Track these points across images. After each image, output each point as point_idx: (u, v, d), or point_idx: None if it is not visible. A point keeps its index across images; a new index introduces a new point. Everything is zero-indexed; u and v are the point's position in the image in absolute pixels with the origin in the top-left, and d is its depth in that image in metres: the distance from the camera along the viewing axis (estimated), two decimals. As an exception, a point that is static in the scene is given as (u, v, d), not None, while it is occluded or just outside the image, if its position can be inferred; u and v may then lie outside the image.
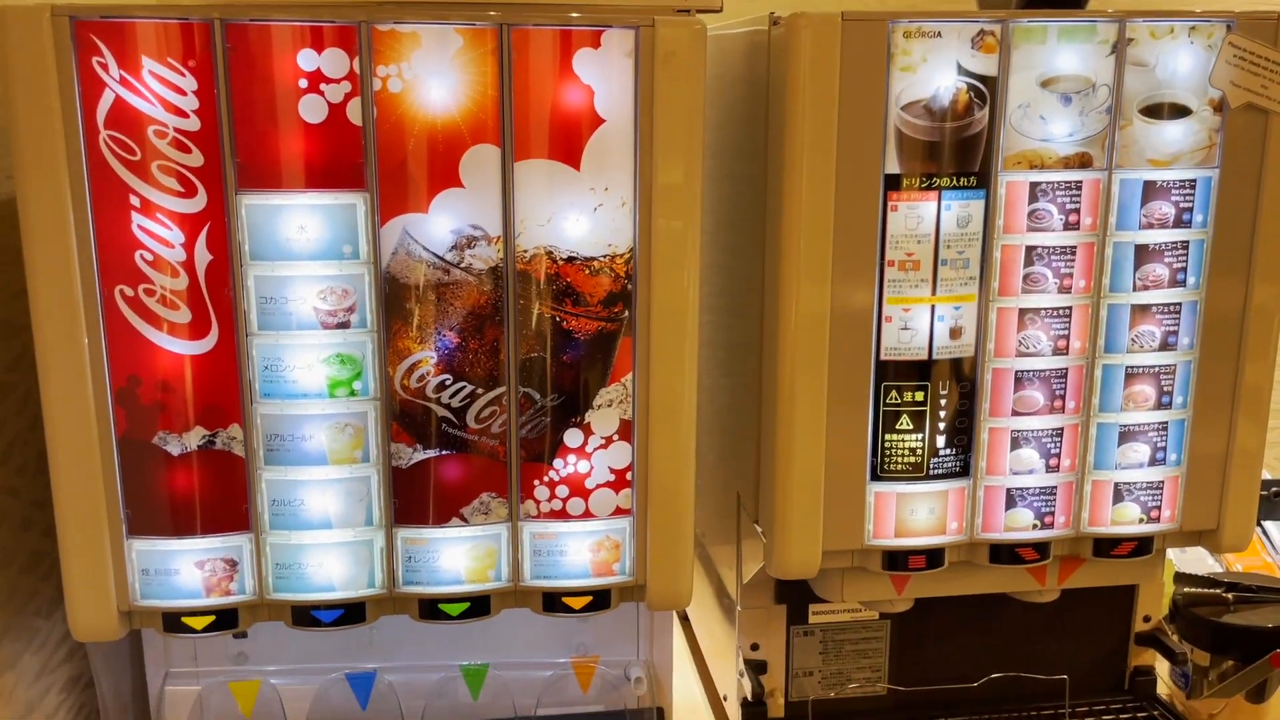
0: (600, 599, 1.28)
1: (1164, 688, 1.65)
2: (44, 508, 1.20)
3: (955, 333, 1.29)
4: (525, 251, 1.18)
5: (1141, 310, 1.32)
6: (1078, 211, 1.28)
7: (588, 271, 1.19)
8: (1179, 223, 1.30)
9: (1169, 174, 1.29)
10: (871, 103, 1.22)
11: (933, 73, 1.22)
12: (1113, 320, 1.31)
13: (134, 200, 1.12)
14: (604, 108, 1.15)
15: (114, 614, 1.20)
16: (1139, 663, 1.63)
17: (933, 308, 1.28)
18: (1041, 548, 1.37)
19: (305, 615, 1.24)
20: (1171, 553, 1.69)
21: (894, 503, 1.33)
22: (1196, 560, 1.79)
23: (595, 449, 1.24)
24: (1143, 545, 1.39)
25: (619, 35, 1.14)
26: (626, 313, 1.21)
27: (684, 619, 1.90)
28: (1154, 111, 1.27)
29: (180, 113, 1.11)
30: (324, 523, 1.21)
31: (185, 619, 1.23)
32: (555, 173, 1.16)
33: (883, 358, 1.29)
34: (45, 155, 1.10)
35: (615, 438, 1.24)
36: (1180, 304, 1.32)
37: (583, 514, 1.26)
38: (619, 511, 1.26)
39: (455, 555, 1.24)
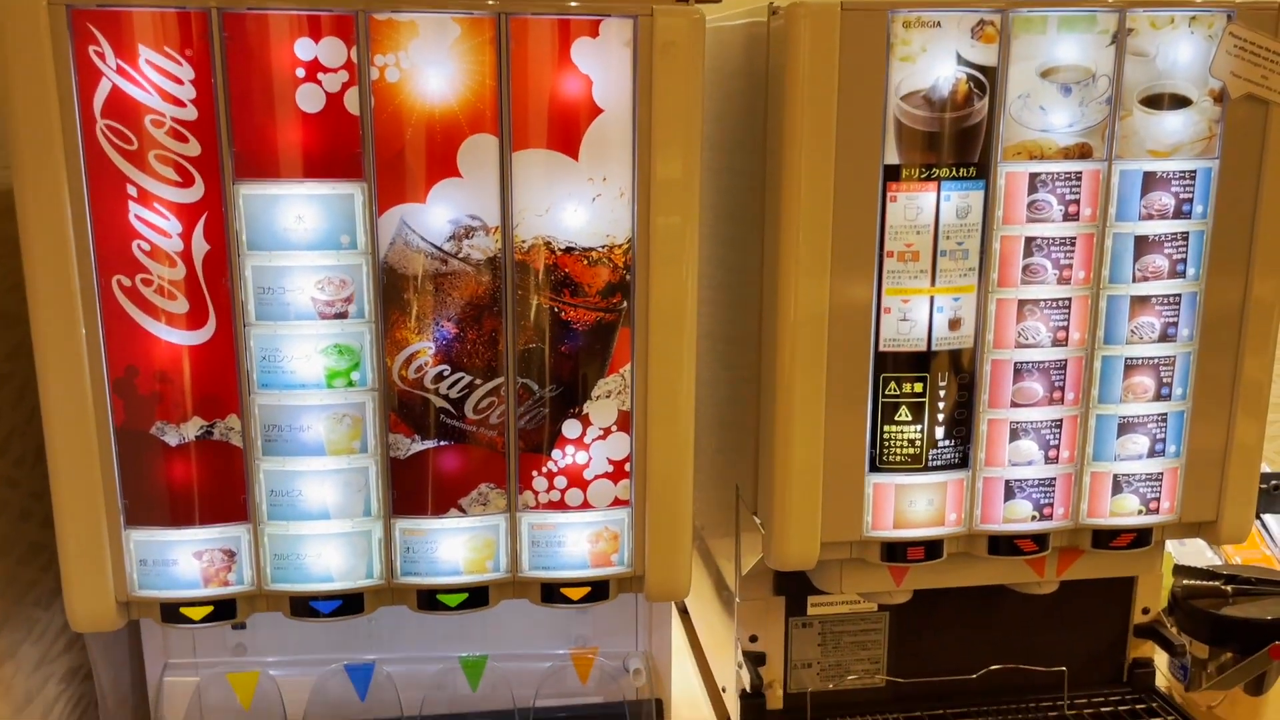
0: (599, 590, 1.28)
1: (1163, 680, 1.65)
2: (42, 499, 1.20)
3: (954, 324, 1.29)
4: (523, 242, 1.18)
5: (1141, 301, 1.31)
6: (1077, 202, 1.27)
7: (586, 262, 1.19)
8: (1179, 214, 1.30)
9: (1169, 165, 1.28)
10: (871, 93, 1.21)
11: (932, 63, 1.22)
12: (1112, 311, 1.31)
13: (131, 190, 1.12)
14: (602, 97, 1.15)
15: (112, 604, 1.20)
16: (1138, 655, 1.63)
17: (932, 299, 1.28)
18: (1040, 539, 1.37)
19: (304, 606, 1.24)
20: (1170, 546, 1.69)
21: (893, 494, 1.33)
22: (1195, 554, 1.79)
23: (594, 440, 1.24)
24: (1141, 537, 1.39)
25: (617, 24, 1.14)
26: (625, 303, 1.21)
27: (683, 612, 1.90)
28: (1154, 102, 1.26)
29: (177, 102, 1.10)
30: (322, 513, 1.21)
31: (183, 609, 1.22)
32: (553, 163, 1.16)
33: (882, 349, 1.29)
34: (42, 145, 1.09)
35: (614, 428, 1.24)
36: (1180, 295, 1.32)
37: (581, 505, 1.25)
38: (617, 502, 1.26)
39: (453, 546, 1.24)
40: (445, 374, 1.20)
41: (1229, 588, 1.60)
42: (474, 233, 1.17)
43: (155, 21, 1.08)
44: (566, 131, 1.15)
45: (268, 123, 1.11)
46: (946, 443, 1.32)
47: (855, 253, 1.25)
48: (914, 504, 1.33)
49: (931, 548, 1.35)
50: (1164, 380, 1.34)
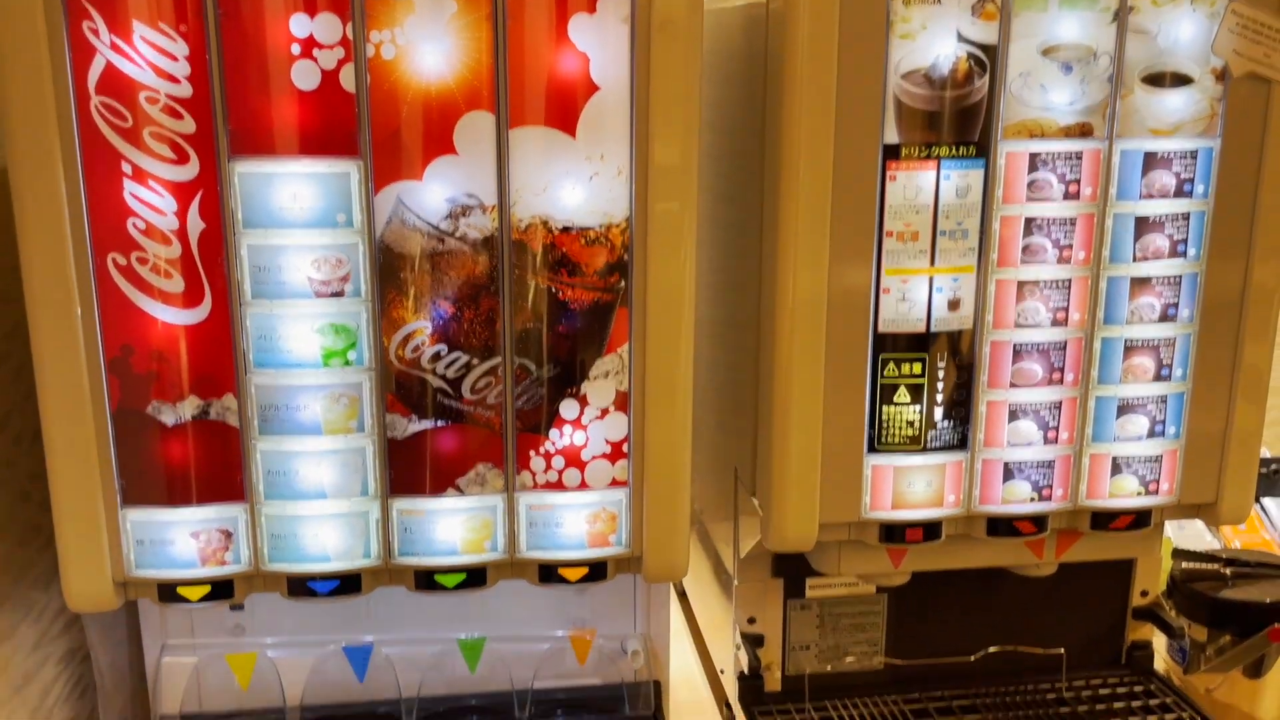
0: (596, 570, 1.28)
1: (1161, 662, 1.65)
2: (40, 480, 1.19)
3: (954, 304, 1.29)
4: (520, 221, 1.17)
5: (1141, 282, 1.31)
6: (1078, 182, 1.27)
7: (584, 241, 1.19)
8: (1180, 193, 1.29)
9: (1170, 144, 1.27)
10: (870, 71, 1.21)
11: (932, 40, 1.21)
12: (1112, 292, 1.30)
13: (126, 167, 1.11)
14: (600, 75, 1.14)
15: (109, 584, 1.20)
16: (1136, 637, 1.63)
17: (931, 279, 1.27)
18: (1039, 520, 1.37)
19: (301, 586, 1.24)
20: (1169, 529, 1.69)
21: (891, 475, 1.32)
22: (1194, 537, 1.79)
23: (591, 420, 1.24)
24: (1141, 518, 1.39)
25: (614, 0, 1.13)
26: (623, 283, 1.20)
27: (681, 595, 1.91)
28: (1156, 80, 1.26)
29: (172, 78, 1.09)
30: (319, 493, 1.21)
31: (180, 589, 1.22)
32: (550, 140, 1.15)
33: (880, 330, 1.28)
34: (36, 123, 1.08)
35: (611, 409, 1.24)
36: (1180, 276, 1.31)
37: (579, 485, 1.25)
38: (615, 483, 1.26)
39: (451, 526, 1.24)
40: (442, 354, 1.19)
41: (1228, 570, 1.60)
42: (471, 211, 1.16)
43: (149, -3, 1.08)
44: (563, 109, 1.15)
45: (263, 100, 1.11)
46: (945, 424, 1.32)
47: (854, 233, 1.25)
48: (913, 485, 1.33)
49: (930, 529, 1.35)
50: (1164, 361, 1.34)
